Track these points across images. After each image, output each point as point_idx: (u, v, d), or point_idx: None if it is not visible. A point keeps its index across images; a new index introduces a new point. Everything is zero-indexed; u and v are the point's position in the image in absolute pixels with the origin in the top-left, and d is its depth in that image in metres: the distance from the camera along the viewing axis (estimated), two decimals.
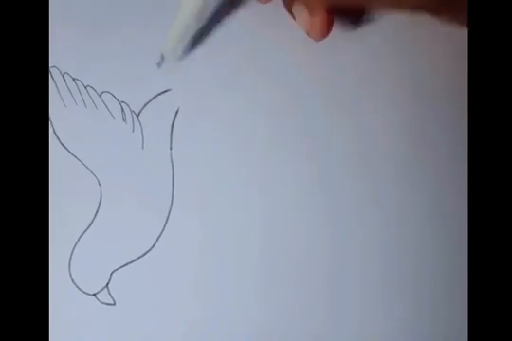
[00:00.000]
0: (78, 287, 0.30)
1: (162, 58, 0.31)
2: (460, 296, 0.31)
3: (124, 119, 0.31)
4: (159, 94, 0.32)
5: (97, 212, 0.30)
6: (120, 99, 0.31)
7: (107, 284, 0.30)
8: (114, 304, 0.30)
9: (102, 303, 0.30)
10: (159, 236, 0.31)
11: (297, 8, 0.29)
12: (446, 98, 0.33)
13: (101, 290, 0.30)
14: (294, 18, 0.30)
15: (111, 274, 0.30)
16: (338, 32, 0.32)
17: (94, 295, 0.30)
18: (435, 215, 0.32)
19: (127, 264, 0.30)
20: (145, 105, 0.31)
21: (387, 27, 0.33)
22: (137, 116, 0.31)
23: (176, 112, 0.32)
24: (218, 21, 0.32)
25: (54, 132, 0.31)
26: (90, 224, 0.30)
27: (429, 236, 0.32)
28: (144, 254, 0.30)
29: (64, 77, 0.31)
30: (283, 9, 0.31)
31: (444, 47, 0.33)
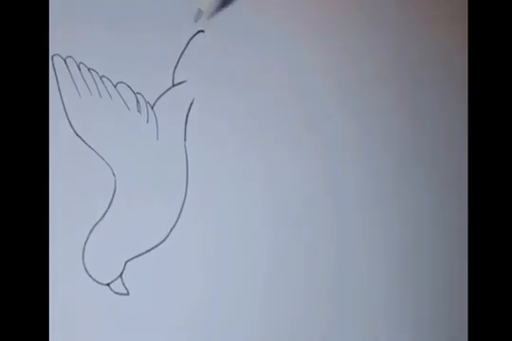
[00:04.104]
0: (91, 277, 0.30)
1: (199, 12, 0.31)
2: (460, 296, 0.32)
3: (139, 110, 0.31)
4: (174, 85, 0.32)
5: (111, 202, 0.30)
6: (136, 90, 0.31)
7: (121, 274, 0.30)
8: (127, 294, 0.30)
9: (116, 293, 0.30)
10: (173, 227, 0.31)
11: None
12: (449, 97, 0.34)
13: (115, 280, 0.30)
14: None
15: (125, 263, 0.30)
16: (347, 33, 0.33)
17: (108, 284, 0.30)
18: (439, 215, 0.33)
19: (141, 254, 0.30)
20: (160, 96, 0.31)
21: (391, 28, 0.34)
22: (152, 108, 0.31)
23: (191, 103, 0.32)
24: None
25: (69, 122, 0.31)
26: (104, 214, 0.30)
27: (434, 235, 0.33)
28: (159, 244, 0.30)
29: (79, 67, 0.31)
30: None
31: (445, 50, 0.34)
